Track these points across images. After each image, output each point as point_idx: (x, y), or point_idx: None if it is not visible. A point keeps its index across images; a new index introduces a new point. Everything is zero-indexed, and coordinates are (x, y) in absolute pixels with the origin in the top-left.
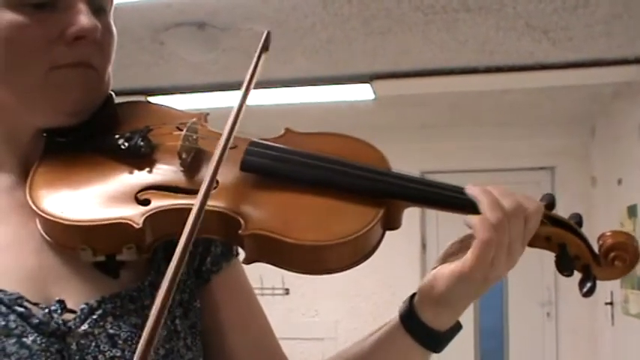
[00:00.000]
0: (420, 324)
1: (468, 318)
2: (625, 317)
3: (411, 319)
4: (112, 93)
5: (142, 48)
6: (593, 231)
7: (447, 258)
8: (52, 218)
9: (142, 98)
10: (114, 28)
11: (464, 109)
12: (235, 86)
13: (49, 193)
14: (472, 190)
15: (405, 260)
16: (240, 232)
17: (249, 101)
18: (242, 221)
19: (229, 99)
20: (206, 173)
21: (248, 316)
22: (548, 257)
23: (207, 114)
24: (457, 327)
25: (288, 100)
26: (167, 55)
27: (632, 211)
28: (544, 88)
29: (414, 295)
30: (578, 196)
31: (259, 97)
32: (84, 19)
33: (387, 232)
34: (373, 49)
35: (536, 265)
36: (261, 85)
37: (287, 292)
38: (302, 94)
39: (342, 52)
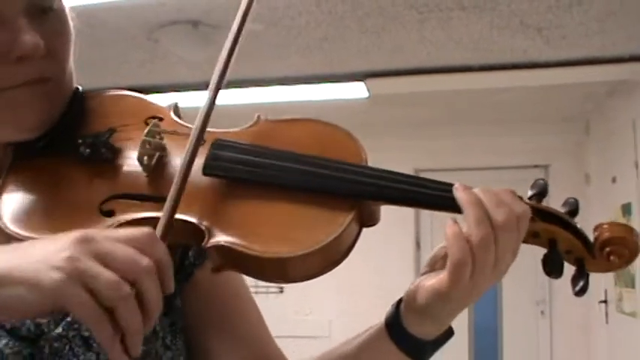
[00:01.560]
0: (403, 332)
1: (462, 316)
2: (619, 315)
3: (394, 326)
4: (79, 87)
5: (136, 46)
6: (587, 229)
7: (435, 262)
8: (22, 238)
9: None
10: (67, 22)
11: (458, 107)
12: (230, 84)
13: (15, 210)
14: (461, 195)
15: (399, 259)
16: (202, 244)
17: (243, 98)
18: (205, 232)
19: (223, 96)
20: (172, 183)
21: (234, 311)
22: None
23: (176, 103)
24: (446, 335)
25: (282, 98)
26: (161, 53)
27: (626, 209)
28: (538, 86)
29: (401, 300)
30: (572, 194)
31: (253, 95)
32: (22, 38)
33: (382, 231)
34: (367, 48)
35: (530, 263)
36: (255, 82)
37: (281, 290)
38: (296, 92)
39: (336, 50)
